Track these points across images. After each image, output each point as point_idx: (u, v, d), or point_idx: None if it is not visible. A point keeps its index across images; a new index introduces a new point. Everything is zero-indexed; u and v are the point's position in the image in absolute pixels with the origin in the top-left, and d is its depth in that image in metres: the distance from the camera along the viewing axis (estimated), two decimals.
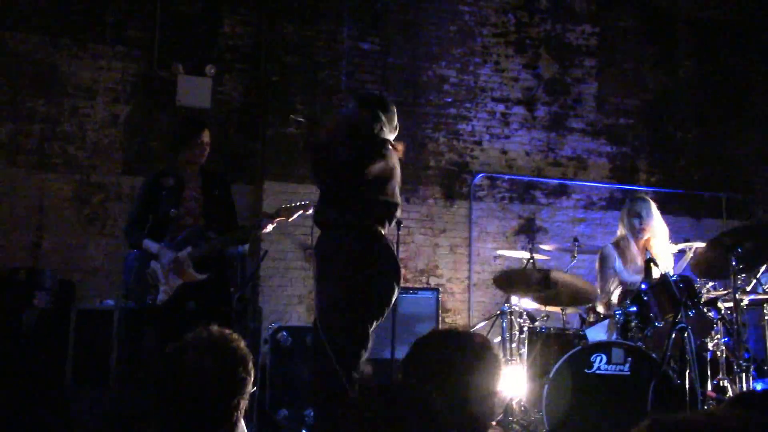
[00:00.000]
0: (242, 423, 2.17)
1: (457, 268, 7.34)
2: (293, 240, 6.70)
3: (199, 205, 4.30)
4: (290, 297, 6.76)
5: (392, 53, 7.50)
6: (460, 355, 2.07)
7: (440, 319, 6.38)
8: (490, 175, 7.55)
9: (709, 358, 4.58)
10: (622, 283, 4.86)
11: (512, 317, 5.10)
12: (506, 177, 7.58)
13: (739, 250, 4.52)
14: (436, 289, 6.48)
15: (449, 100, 7.58)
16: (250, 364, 2.03)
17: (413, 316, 5.82)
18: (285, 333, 5.49)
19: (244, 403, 2.03)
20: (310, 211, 4.27)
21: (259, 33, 7.17)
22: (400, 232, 5.86)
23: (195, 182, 4.35)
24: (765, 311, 5.30)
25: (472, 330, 6.15)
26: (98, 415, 4.90)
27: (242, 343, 2.06)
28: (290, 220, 4.32)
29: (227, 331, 2.07)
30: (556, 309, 5.22)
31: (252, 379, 2.05)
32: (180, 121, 5.49)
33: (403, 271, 6.55)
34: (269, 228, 4.36)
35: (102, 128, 6.77)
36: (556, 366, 3.93)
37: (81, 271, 6.44)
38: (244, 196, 6.68)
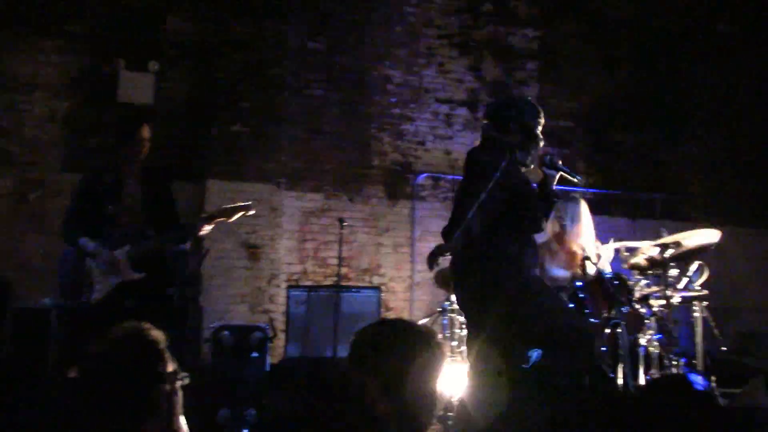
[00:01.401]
0: (183, 421, 2.17)
1: (399, 267, 7.41)
2: (236, 239, 6.67)
3: (138, 203, 4.24)
4: (233, 296, 6.72)
5: (338, 53, 7.53)
6: (404, 343, 2.09)
7: (382, 317, 6.43)
8: (433, 175, 7.64)
9: (642, 354, 4.72)
10: (551, 279, 4.97)
11: (453, 315, 5.17)
12: (449, 177, 7.67)
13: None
14: (378, 288, 6.53)
15: (394, 100, 7.65)
16: (167, 356, 2.05)
17: (355, 314, 5.85)
18: (227, 332, 5.44)
19: (177, 399, 2.04)
20: (252, 211, 4.26)
21: (205, 29, 7.10)
22: (343, 231, 5.93)
23: (135, 179, 4.28)
24: (695, 308, 5.50)
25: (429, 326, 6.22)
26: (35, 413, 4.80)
27: (160, 336, 2.08)
28: (231, 220, 4.28)
29: (145, 324, 2.09)
30: None
31: (175, 371, 2.07)
32: (120, 117, 5.40)
33: (345, 269, 6.61)
34: (210, 227, 4.32)
35: (41, 124, 6.64)
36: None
37: (18, 269, 6.29)
38: (186, 195, 6.60)
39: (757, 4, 8.90)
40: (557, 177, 3.75)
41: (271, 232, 6.89)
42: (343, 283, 6.42)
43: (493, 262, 3.50)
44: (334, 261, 6.69)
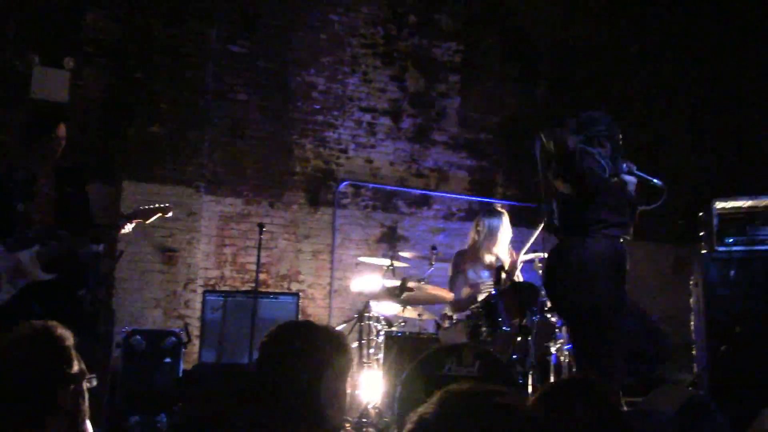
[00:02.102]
0: (88, 425, 2.13)
1: (319, 274, 7.41)
2: (152, 241, 6.54)
3: (51, 202, 4.12)
4: (147, 300, 6.58)
5: (262, 57, 7.49)
6: (317, 347, 2.10)
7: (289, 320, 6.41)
8: (355, 183, 7.68)
9: (553, 362, 4.86)
10: (472, 286, 5.08)
11: (370, 322, 5.21)
12: (370, 186, 7.73)
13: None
14: (296, 295, 6.50)
15: (317, 107, 7.66)
16: (73, 356, 2.01)
17: (272, 321, 5.80)
18: (139, 337, 5.35)
19: (83, 401, 2.00)
20: (170, 213, 4.21)
21: (124, 27, 6.95)
22: (262, 237, 5.90)
23: (48, 178, 4.16)
24: None
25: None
26: None
27: (66, 335, 2.03)
28: (148, 222, 4.21)
29: (51, 323, 2.04)
30: (413, 315, 5.39)
31: (81, 372, 2.02)
32: (34, 114, 5.24)
33: (264, 275, 6.56)
34: (127, 229, 4.23)
35: None
36: (409, 368, 4.05)
37: None
38: (101, 196, 6.44)
39: (664, 27, 9.32)
40: (635, 183, 3.92)
41: (189, 236, 6.78)
42: (261, 289, 6.38)
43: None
44: (253, 266, 6.64)
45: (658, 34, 9.42)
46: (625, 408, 5.55)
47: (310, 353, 2.08)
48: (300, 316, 6.41)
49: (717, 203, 5.58)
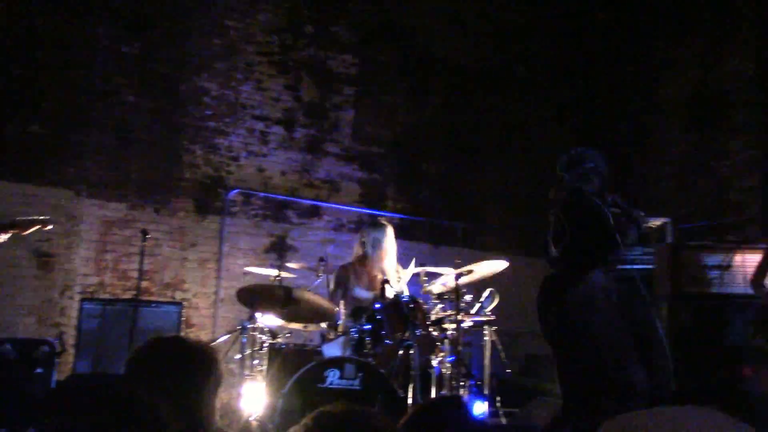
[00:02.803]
0: None
1: (204, 283, 7.27)
2: (27, 246, 6.24)
3: None
4: (20, 307, 6.27)
5: (154, 59, 7.31)
6: (182, 360, 2.08)
7: (183, 334, 6.27)
8: (245, 192, 7.59)
9: (436, 374, 4.95)
10: (355, 299, 5.11)
11: (254, 333, 5.14)
12: (261, 194, 7.66)
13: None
14: (179, 303, 6.36)
15: (209, 113, 7.53)
16: None
17: (153, 330, 5.66)
18: (9, 345, 5.09)
19: None
20: (50, 226, 4.05)
21: (5, 20, 6.62)
22: (146, 243, 5.74)
23: None
24: (485, 332, 5.86)
25: (211, 344, 6.11)
26: None
27: None
28: (26, 233, 4.04)
29: None
30: (299, 326, 5.36)
31: None
32: None
33: (146, 283, 6.38)
34: (2, 239, 4.04)
35: None
36: (291, 381, 4.03)
37: None
38: None
39: (548, 51, 9.73)
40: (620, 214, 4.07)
41: (67, 240, 6.51)
42: (143, 298, 6.19)
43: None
44: (135, 274, 6.45)
45: (544, 58, 9.83)
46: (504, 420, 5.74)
47: (179, 369, 2.05)
48: (183, 326, 6.28)
49: None
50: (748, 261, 4.87)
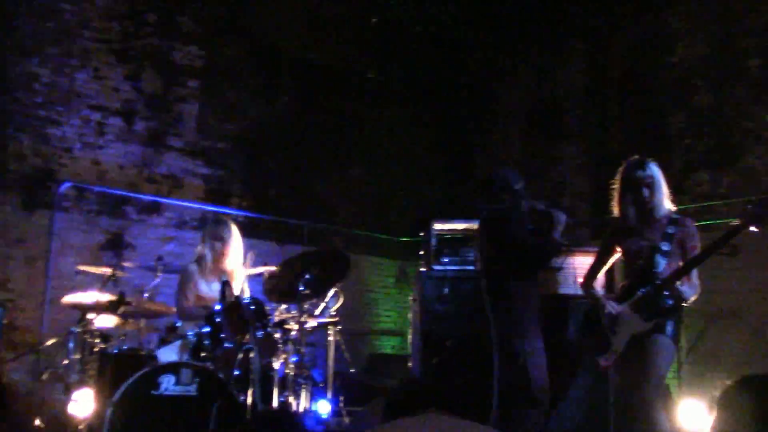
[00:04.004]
0: None
1: (32, 283, 6.77)
2: None
3: None
4: None
5: None
6: None
7: (4, 338, 5.81)
8: (78, 186, 7.14)
9: (280, 375, 4.87)
10: (200, 299, 4.93)
11: (85, 336, 4.85)
12: (96, 189, 7.24)
13: (307, 276, 4.94)
14: (1, 305, 5.89)
15: (39, 100, 7.04)
16: None
17: None
18: None
19: None
20: None
21: None
22: None
23: None
24: (329, 333, 5.84)
25: (41, 349, 5.73)
26: None
27: None
28: None
29: None
30: (135, 328, 5.11)
31: None
32: None
33: None
34: None
35: None
36: (122, 388, 3.82)
37: None
38: None
39: (401, 57, 9.92)
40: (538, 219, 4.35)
41: None
42: None
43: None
44: None
45: (396, 62, 10.01)
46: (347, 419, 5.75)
47: None
48: (6, 329, 5.82)
49: (436, 225, 5.98)
50: (578, 264, 5.17)
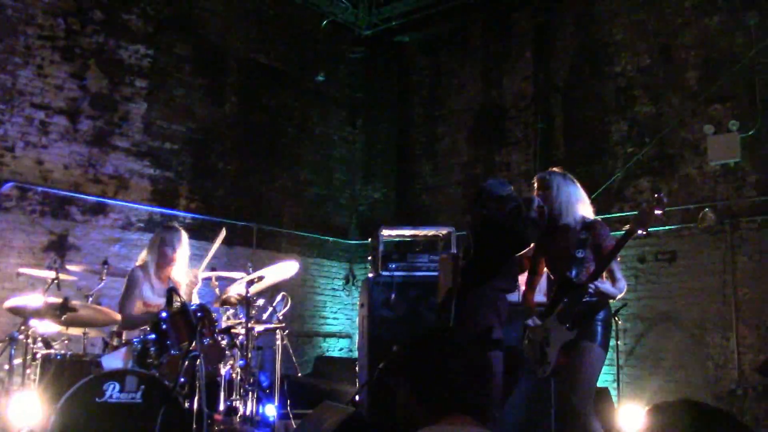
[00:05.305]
0: None
1: None
2: None
3: None
4: None
5: None
6: None
7: None
8: (20, 185, 7.00)
9: (226, 380, 4.87)
10: (146, 305, 4.91)
11: (26, 342, 4.77)
12: (39, 189, 7.11)
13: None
14: None
15: None
16: None
17: None
18: None
19: None
20: None
21: None
22: None
23: None
24: (278, 337, 5.86)
25: None
26: None
27: None
28: None
29: None
30: (79, 332, 5.05)
31: None
32: None
33: None
34: None
35: None
36: (65, 395, 3.78)
37: None
38: None
39: (345, 57, 9.98)
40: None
41: None
42: None
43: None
44: None
45: (340, 63, 10.06)
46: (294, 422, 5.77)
47: None
48: None
49: (384, 231, 6.06)
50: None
